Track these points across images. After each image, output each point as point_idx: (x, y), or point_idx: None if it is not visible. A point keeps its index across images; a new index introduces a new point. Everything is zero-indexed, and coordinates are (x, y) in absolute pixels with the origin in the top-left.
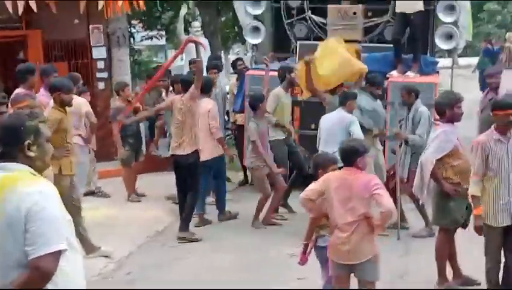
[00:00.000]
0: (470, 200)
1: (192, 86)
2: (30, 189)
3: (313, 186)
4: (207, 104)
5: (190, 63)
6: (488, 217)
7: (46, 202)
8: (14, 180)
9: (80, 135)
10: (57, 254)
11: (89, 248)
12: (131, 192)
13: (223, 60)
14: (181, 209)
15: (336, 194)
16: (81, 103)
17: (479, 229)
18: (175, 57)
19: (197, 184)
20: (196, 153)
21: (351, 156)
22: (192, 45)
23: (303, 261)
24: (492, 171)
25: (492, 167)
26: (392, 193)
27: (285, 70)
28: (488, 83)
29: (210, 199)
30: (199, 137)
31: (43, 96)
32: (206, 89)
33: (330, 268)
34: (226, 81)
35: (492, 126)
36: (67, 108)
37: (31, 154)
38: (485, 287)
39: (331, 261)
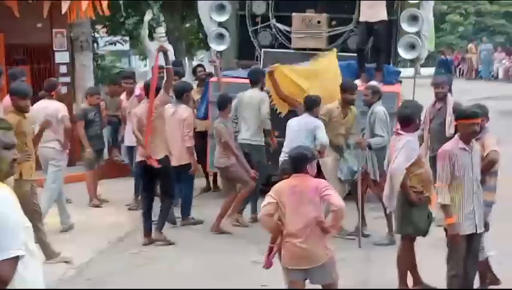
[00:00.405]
0: (435, 209)
1: (161, 91)
2: None
3: (267, 200)
4: (184, 111)
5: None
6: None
7: (2, 207)
8: None
9: (58, 140)
10: (14, 260)
11: (49, 253)
12: (93, 196)
13: (186, 66)
14: (147, 215)
15: (289, 201)
16: (58, 107)
17: (453, 238)
18: (156, 70)
19: (171, 189)
20: (167, 158)
21: (300, 162)
22: (152, 49)
23: (268, 265)
24: (457, 180)
25: (457, 175)
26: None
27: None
28: (435, 92)
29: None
30: (170, 142)
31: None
32: (179, 95)
33: (284, 275)
34: None
35: (457, 135)
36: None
37: None
38: None
39: (285, 269)
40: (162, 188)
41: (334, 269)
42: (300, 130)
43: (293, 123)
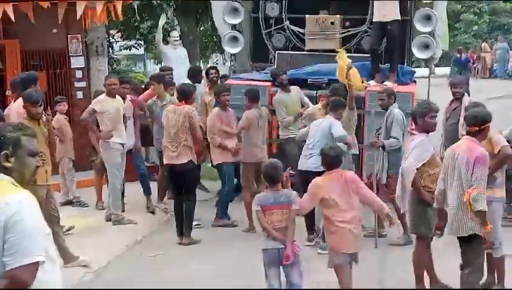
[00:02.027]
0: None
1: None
2: (9, 199)
3: (306, 198)
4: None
5: (161, 70)
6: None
7: (25, 212)
8: None
9: None
10: (35, 266)
11: (67, 257)
12: (99, 200)
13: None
14: (177, 216)
15: (339, 194)
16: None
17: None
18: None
19: (192, 191)
20: (191, 162)
21: (336, 161)
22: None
23: (287, 259)
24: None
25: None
26: None
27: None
28: (452, 92)
29: None
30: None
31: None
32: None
33: (332, 258)
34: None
35: (475, 139)
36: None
37: (8, 165)
38: None
39: (335, 253)
40: (184, 190)
41: None
42: (318, 130)
43: (314, 123)
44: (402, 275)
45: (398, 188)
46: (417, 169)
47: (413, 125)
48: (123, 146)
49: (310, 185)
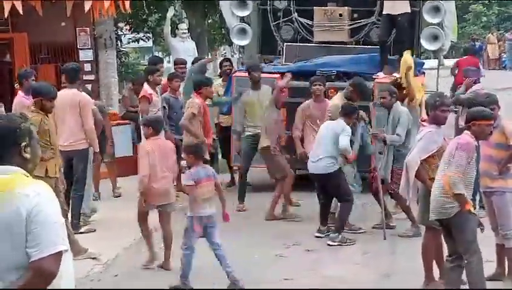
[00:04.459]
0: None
1: None
2: (28, 191)
3: None
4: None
5: (175, 63)
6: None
7: (46, 203)
8: (10, 182)
9: None
10: (59, 255)
11: (76, 249)
12: (115, 187)
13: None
14: None
15: None
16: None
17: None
18: None
19: None
20: None
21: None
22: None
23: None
24: (468, 176)
25: (468, 171)
26: (376, 192)
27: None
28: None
29: None
30: None
31: (23, 98)
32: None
33: None
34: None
35: (470, 133)
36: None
37: (27, 156)
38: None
39: None
40: None
41: None
42: (327, 133)
43: (324, 125)
44: (411, 266)
45: (403, 180)
46: (425, 160)
47: (425, 116)
48: None
49: None
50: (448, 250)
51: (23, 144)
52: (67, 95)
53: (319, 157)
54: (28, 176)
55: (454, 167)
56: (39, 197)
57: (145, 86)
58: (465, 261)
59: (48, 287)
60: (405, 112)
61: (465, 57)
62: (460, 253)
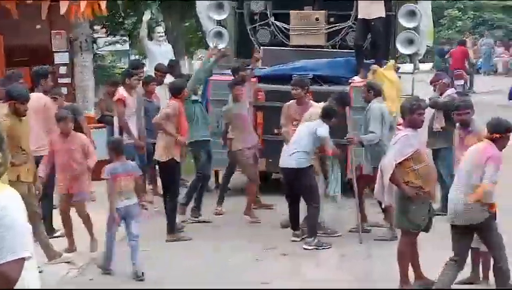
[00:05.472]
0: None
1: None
2: None
3: None
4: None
5: (157, 70)
6: None
7: (11, 208)
8: None
9: None
10: (22, 261)
11: (51, 254)
12: None
13: (186, 65)
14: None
15: None
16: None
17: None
18: None
19: (173, 190)
20: (173, 159)
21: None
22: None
23: None
24: None
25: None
26: (360, 195)
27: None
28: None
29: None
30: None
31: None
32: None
33: None
34: None
35: (490, 141)
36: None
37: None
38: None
39: None
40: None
41: None
42: (304, 129)
43: (302, 125)
44: (386, 270)
45: (378, 184)
46: (400, 164)
47: (400, 120)
48: None
49: None
50: (453, 251)
51: None
52: (31, 99)
53: (292, 152)
54: None
55: (489, 180)
56: (6, 201)
57: (120, 89)
58: (498, 265)
59: None
60: (376, 107)
61: (456, 48)
62: (464, 257)
